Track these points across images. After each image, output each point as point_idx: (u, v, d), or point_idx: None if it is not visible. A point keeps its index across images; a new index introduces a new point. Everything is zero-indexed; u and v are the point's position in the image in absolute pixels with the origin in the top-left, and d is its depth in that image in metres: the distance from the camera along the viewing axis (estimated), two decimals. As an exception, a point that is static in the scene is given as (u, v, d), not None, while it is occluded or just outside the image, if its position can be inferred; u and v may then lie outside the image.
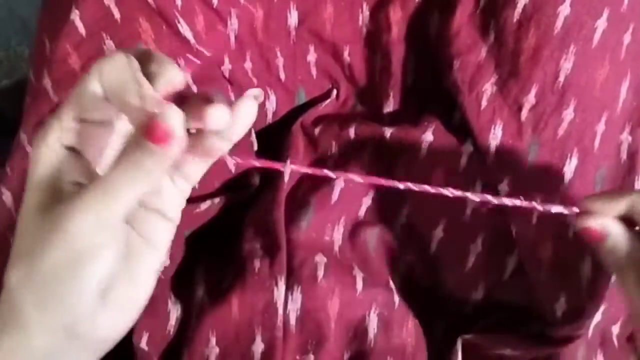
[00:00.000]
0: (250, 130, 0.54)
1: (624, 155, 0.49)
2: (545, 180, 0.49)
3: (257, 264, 0.47)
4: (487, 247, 0.51)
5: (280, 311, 0.45)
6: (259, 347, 0.45)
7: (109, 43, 0.50)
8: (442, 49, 0.51)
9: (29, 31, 0.52)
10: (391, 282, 0.50)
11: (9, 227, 0.53)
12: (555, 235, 0.49)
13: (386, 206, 0.53)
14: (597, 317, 0.50)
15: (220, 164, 0.51)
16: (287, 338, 0.46)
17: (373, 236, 0.52)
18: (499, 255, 0.51)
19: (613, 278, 0.49)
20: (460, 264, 0.51)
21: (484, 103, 0.50)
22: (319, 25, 0.55)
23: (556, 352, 0.48)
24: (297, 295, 0.46)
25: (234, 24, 0.53)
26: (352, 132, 0.53)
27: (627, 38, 0.49)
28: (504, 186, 0.50)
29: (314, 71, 0.57)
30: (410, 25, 0.53)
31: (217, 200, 0.52)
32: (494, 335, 0.49)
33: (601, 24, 0.48)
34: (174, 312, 0.47)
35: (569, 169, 0.48)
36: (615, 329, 0.52)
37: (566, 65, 0.48)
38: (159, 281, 0.47)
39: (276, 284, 0.46)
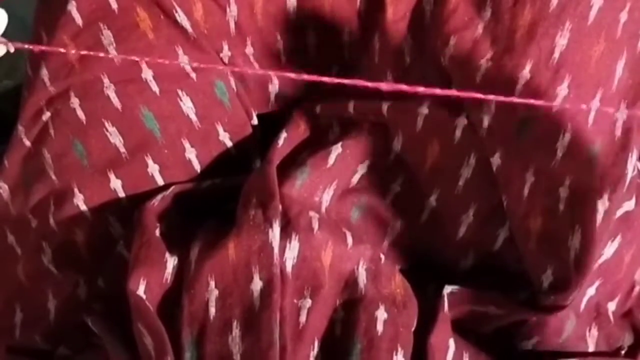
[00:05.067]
0: (251, 113, 0.56)
1: (618, 132, 0.49)
2: (537, 155, 0.50)
3: (251, 212, 0.48)
4: (479, 219, 0.52)
5: (277, 250, 0.46)
6: (257, 285, 0.46)
7: (107, 33, 0.51)
8: (439, 27, 0.52)
9: (29, 31, 0.55)
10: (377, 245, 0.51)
11: (6, 220, 0.55)
12: (545, 208, 0.50)
13: (382, 174, 0.54)
14: (591, 291, 0.51)
15: (221, 145, 0.54)
16: (284, 283, 0.46)
17: (358, 208, 0.53)
18: (491, 227, 0.52)
19: (608, 254, 0.50)
20: (450, 234, 0.52)
21: (478, 78, 0.51)
22: (318, 7, 0.56)
23: (542, 320, 0.49)
24: (294, 244, 0.47)
25: (233, 10, 0.54)
26: (351, 107, 0.55)
27: (623, 16, 0.49)
28: (496, 159, 0.51)
29: (313, 52, 0.58)
30: (407, 4, 0.54)
31: (217, 180, 0.54)
32: (479, 290, 0.50)
33: (597, 1, 0.49)
34: (171, 261, 0.48)
35: (562, 144, 0.49)
36: (612, 306, 0.53)
37: (561, 41, 0.49)
38: (153, 237, 0.49)
39: (271, 226, 0.47)
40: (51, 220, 0.53)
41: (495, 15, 0.50)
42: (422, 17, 0.54)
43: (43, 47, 0.51)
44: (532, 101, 0.36)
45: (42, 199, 0.53)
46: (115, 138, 0.52)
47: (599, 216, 0.48)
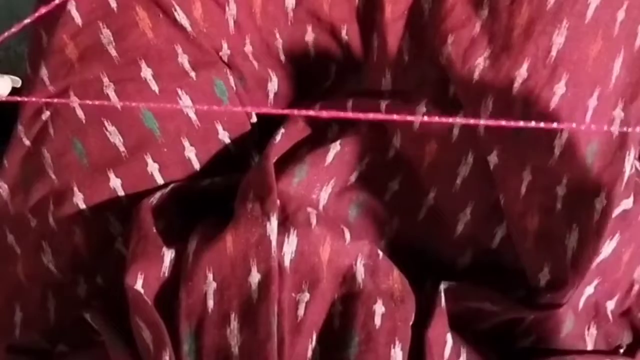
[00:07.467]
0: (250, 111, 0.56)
1: (616, 131, 0.49)
2: (534, 153, 0.50)
3: (249, 205, 0.48)
4: (477, 217, 0.52)
5: (274, 243, 0.46)
6: (255, 277, 0.46)
7: (106, 32, 0.51)
8: (436, 25, 0.52)
9: (29, 31, 0.55)
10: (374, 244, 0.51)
11: (6, 219, 0.55)
12: (543, 207, 0.50)
13: (380, 172, 0.54)
14: (589, 290, 0.51)
15: (220, 144, 0.54)
16: (282, 277, 0.47)
17: (356, 207, 0.53)
18: (488, 225, 0.52)
19: (607, 253, 0.50)
20: (448, 232, 0.52)
21: (476, 76, 0.51)
22: (317, 6, 0.56)
23: (540, 318, 0.49)
24: (292, 238, 0.47)
25: (232, 9, 0.54)
26: (349, 105, 0.55)
27: (620, 15, 0.50)
28: (493, 157, 0.51)
29: (312, 51, 0.58)
30: (405, 3, 0.54)
31: (217, 179, 0.54)
32: (475, 286, 0.50)
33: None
34: (168, 254, 0.49)
35: (559, 142, 0.49)
36: (611, 305, 0.53)
37: (558, 39, 0.49)
38: (150, 232, 0.49)
39: (268, 220, 0.47)
40: (51, 220, 0.53)
41: (493, 14, 0.50)
42: (420, 16, 0.54)
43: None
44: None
45: (42, 198, 0.53)
46: (114, 137, 0.52)
47: (597, 215, 0.48)
